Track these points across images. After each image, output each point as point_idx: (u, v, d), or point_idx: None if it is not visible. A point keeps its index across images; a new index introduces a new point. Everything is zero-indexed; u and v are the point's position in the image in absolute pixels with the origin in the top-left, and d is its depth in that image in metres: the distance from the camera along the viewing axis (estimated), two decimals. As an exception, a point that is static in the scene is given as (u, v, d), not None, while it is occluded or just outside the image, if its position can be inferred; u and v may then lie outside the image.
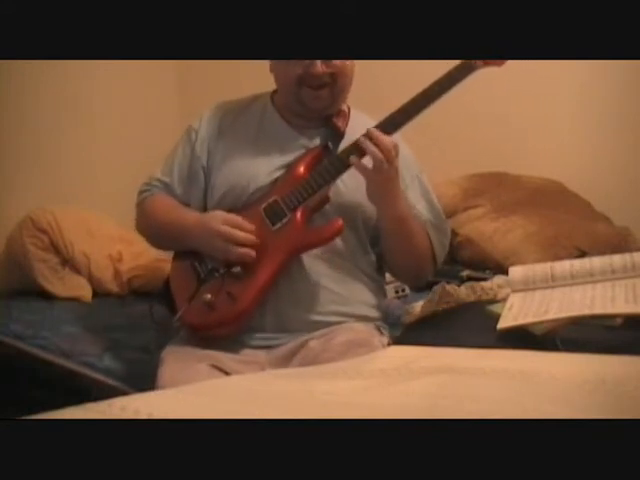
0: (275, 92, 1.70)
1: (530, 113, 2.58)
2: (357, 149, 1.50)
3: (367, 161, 1.50)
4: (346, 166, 1.52)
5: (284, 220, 1.54)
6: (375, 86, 2.53)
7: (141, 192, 1.73)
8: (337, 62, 1.55)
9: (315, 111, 1.61)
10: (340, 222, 1.52)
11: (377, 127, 1.51)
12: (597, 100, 2.49)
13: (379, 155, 1.46)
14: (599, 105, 2.48)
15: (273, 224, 1.55)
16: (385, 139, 1.47)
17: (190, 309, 1.54)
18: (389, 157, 1.46)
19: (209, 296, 1.52)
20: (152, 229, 1.71)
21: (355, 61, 1.61)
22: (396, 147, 1.48)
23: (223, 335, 1.54)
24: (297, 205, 1.54)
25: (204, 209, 1.65)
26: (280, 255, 1.53)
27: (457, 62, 1.54)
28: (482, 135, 2.63)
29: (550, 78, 2.49)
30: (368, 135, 1.48)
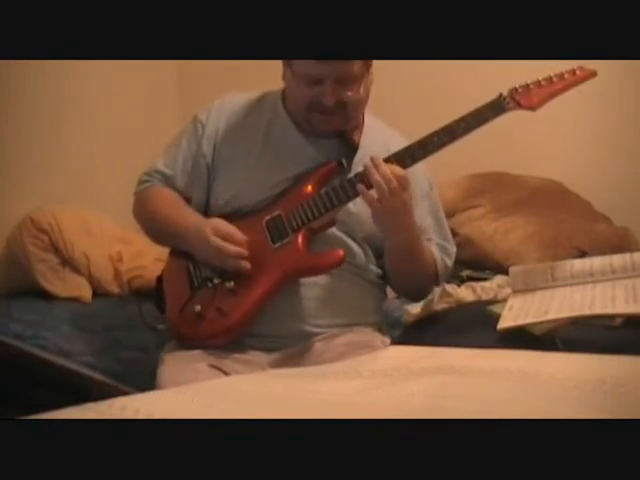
0: (285, 91, 1.63)
1: (530, 113, 2.57)
2: (364, 176, 1.45)
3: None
4: (357, 193, 1.47)
5: (285, 240, 1.50)
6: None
7: (141, 182, 1.68)
8: (349, 92, 1.50)
9: (325, 133, 1.57)
10: (341, 253, 1.47)
11: (393, 157, 1.47)
12: (597, 100, 2.48)
13: (383, 186, 1.41)
14: (599, 105, 2.47)
15: (274, 241, 1.51)
16: (387, 172, 1.41)
17: (179, 318, 1.52)
18: (391, 189, 1.41)
19: (199, 307, 1.49)
20: (150, 222, 1.67)
21: (371, 68, 1.55)
22: (403, 179, 1.42)
23: (211, 346, 1.50)
24: (301, 226, 1.50)
25: (205, 205, 1.62)
26: (275, 275, 1.49)
27: (487, 101, 1.50)
28: (482, 135, 2.62)
29: (550, 78, 2.48)
30: (373, 163, 1.43)
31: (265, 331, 1.52)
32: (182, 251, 1.59)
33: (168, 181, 1.65)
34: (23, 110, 2.45)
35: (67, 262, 2.29)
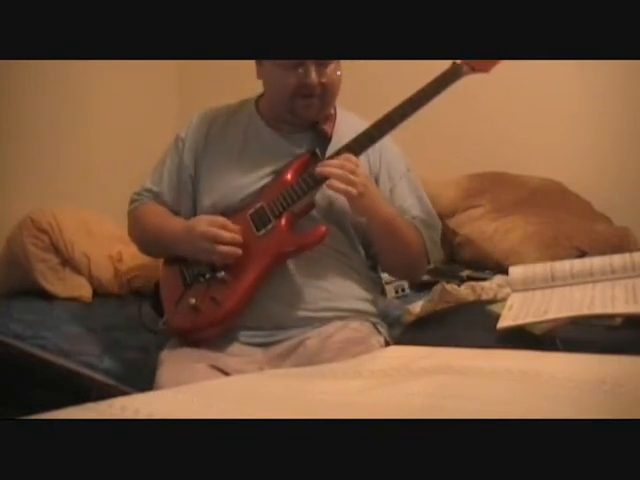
0: (260, 97, 1.71)
1: (530, 113, 2.58)
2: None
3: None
4: None
5: (269, 226, 1.55)
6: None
7: (132, 201, 1.75)
8: (329, 72, 1.56)
9: (305, 119, 1.62)
10: (323, 229, 1.53)
11: (362, 135, 1.54)
12: (597, 100, 2.48)
13: (338, 173, 1.48)
14: (599, 105, 2.48)
15: (258, 229, 1.56)
16: (334, 163, 1.49)
17: (175, 313, 1.56)
18: (351, 172, 1.48)
19: (193, 300, 1.54)
20: (142, 237, 1.74)
21: (343, 64, 1.61)
22: (351, 162, 1.49)
23: (208, 338, 1.55)
24: (282, 211, 1.55)
25: (193, 215, 1.65)
26: (264, 260, 1.54)
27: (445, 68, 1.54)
28: (482, 135, 2.63)
29: (550, 78, 2.48)
30: (323, 165, 1.51)
31: (261, 323, 1.56)
32: (174, 257, 1.64)
33: (156, 198, 1.72)
34: (23, 110, 2.45)
35: (67, 262, 2.29)
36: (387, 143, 1.64)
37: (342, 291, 1.60)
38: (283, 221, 1.55)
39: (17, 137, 2.43)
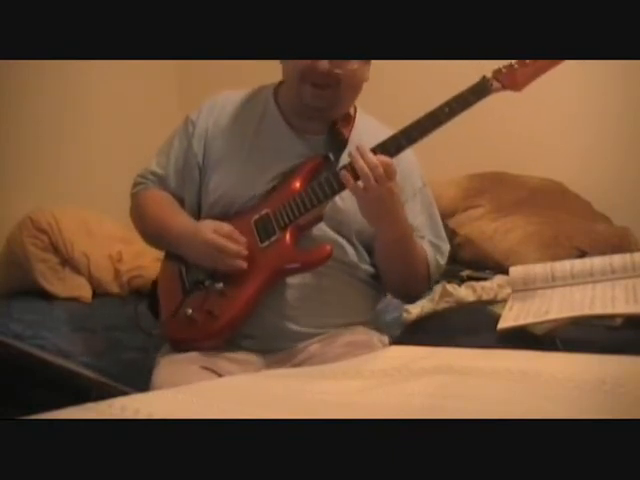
0: (280, 85, 1.62)
1: (530, 113, 2.57)
2: (350, 167, 1.42)
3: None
4: (343, 186, 1.44)
5: (272, 238, 1.49)
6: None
7: (136, 184, 1.68)
8: (346, 64, 1.47)
9: (313, 110, 1.53)
10: (328, 248, 1.46)
11: (378, 147, 1.43)
12: (597, 100, 2.48)
13: (367, 172, 1.37)
14: (599, 105, 2.48)
15: (262, 240, 1.50)
16: (372, 158, 1.38)
17: (171, 322, 1.53)
18: (377, 177, 1.37)
19: (190, 311, 1.49)
20: (142, 227, 1.68)
21: (369, 65, 1.55)
22: (389, 167, 1.39)
23: (203, 349, 1.50)
24: (288, 223, 1.49)
25: (198, 205, 1.61)
26: (263, 275, 1.48)
27: (471, 84, 1.47)
28: (482, 135, 2.62)
29: (550, 78, 2.48)
30: (359, 151, 1.40)
31: (258, 332, 1.52)
32: (175, 255, 1.59)
33: (161, 182, 1.65)
34: (23, 110, 2.45)
35: (67, 262, 2.29)
36: (407, 153, 1.52)
37: (347, 305, 1.56)
38: (288, 235, 1.48)
39: (17, 137, 2.43)
